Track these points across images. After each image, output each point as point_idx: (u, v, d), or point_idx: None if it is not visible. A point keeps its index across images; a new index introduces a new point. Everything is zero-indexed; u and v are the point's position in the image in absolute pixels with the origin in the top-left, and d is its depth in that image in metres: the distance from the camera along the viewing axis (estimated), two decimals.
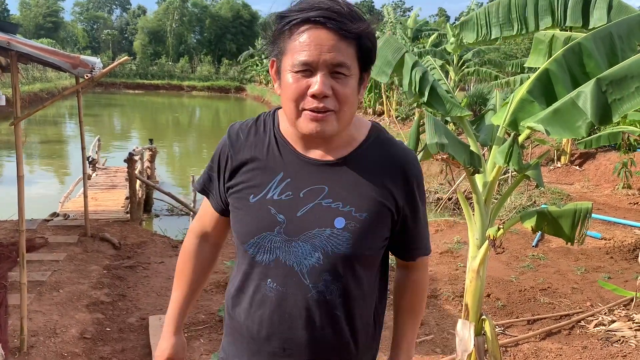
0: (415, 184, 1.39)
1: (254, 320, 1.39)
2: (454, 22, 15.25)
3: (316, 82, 1.23)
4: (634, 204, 9.31)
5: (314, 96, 1.24)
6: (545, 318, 4.86)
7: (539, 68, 3.07)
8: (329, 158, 1.35)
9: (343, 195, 1.33)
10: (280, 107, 1.41)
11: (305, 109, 1.26)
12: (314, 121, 1.26)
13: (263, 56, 41.50)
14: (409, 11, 78.06)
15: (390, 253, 1.51)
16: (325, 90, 1.23)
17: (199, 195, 10.91)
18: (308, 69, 1.23)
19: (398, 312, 1.59)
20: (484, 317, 3.29)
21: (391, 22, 24.24)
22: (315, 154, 1.36)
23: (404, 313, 1.57)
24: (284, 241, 1.33)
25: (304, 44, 1.23)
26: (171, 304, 1.64)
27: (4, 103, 5.33)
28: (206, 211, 1.56)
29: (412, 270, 1.55)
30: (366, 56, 1.29)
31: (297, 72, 1.24)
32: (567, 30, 3.64)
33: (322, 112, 1.25)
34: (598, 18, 3.34)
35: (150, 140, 11.97)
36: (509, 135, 3.06)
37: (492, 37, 3.62)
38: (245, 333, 1.43)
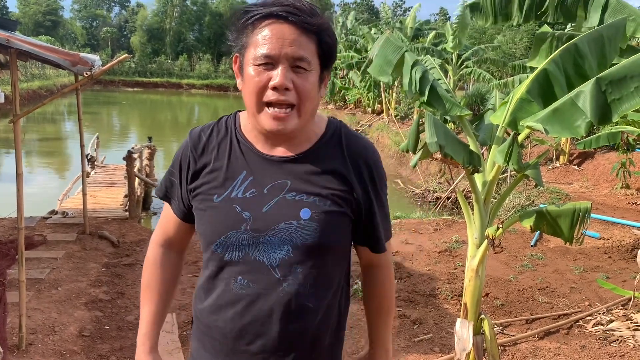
0: (374, 172, 1.43)
1: (225, 320, 1.39)
2: (458, 18, 15.15)
3: (277, 75, 1.25)
4: (633, 203, 9.32)
5: (275, 88, 1.26)
6: (543, 317, 4.87)
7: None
8: (290, 154, 1.38)
9: (306, 187, 1.35)
10: (242, 110, 1.46)
11: (266, 102, 1.28)
12: (275, 119, 1.29)
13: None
14: (409, 11, 78.07)
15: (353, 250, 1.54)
16: (286, 82, 1.25)
17: None
18: (270, 62, 1.26)
19: (372, 315, 1.60)
20: (482, 316, 3.29)
21: (389, 20, 24.23)
22: (277, 151, 1.38)
23: (378, 315, 1.60)
24: (252, 237, 1.34)
25: (265, 38, 1.25)
26: (142, 321, 1.56)
27: (2, 100, 5.32)
28: (168, 218, 1.54)
29: (378, 269, 1.55)
30: (326, 52, 1.32)
31: (259, 65, 1.27)
32: (564, 28, 3.68)
33: (283, 107, 1.28)
34: (592, 17, 3.36)
35: (149, 138, 11.94)
36: (509, 134, 3.06)
37: (495, 23, 3.67)
38: (216, 334, 1.42)
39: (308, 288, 1.36)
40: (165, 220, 1.55)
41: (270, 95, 1.27)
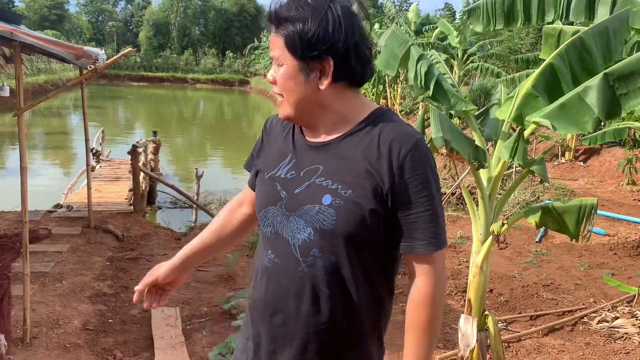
0: (408, 164, 1.33)
1: (256, 289, 1.51)
2: (461, 17, 15.01)
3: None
4: (638, 200, 9.27)
5: None
6: (548, 314, 4.86)
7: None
8: (326, 139, 1.44)
9: (333, 174, 1.39)
10: None
11: None
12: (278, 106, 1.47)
13: (268, 50, 41.20)
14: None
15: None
16: (269, 77, 1.45)
17: (202, 189, 10.77)
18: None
19: (406, 328, 1.45)
20: (486, 312, 3.28)
21: (392, 15, 24.13)
22: (317, 137, 1.46)
23: (408, 330, 1.44)
24: (283, 216, 1.43)
25: None
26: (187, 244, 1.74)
27: (7, 94, 5.34)
28: (246, 187, 1.71)
29: (415, 275, 1.41)
30: (295, 42, 1.34)
31: None
32: (571, 25, 3.63)
33: (279, 96, 1.44)
34: (602, 14, 3.32)
35: (154, 133, 11.96)
36: (514, 130, 3.04)
37: (497, 27, 3.62)
38: (251, 303, 1.55)
39: (325, 274, 1.39)
40: (246, 188, 1.72)
41: None
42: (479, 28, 3.68)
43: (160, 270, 1.71)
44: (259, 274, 1.51)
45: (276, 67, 1.40)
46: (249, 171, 1.67)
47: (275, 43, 1.38)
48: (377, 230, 1.37)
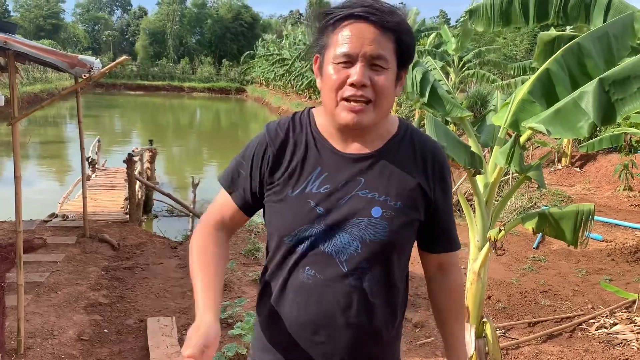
0: (444, 172, 1.47)
1: (291, 307, 1.42)
2: (455, 24, 15.08)
3: (355, 72, 1.30)
4: (635, 205, 9.27)
5: (352, 85, 1.31)
6: (546, 320, 4.83)
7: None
8: (365, 151, 1.41)
9: (378, 186, 1.39)
10: (314, 107, 1.50)
11: (343, 98, 1.33)
12: (352, 112, 1.33)
13: (263, 59, 41.26)
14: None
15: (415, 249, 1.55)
16: (364, 79, 1.30)
17: (198, 197, 10.65)
18: (348, 60, 1.31)
19: (450, 319, 1.63)
20: (484, 319, 3.26)
21: None
22: (351, 148, 1.42)
23: (455, 318, 1.63)
24: (323, 231, 1.38)
25: (346, 37, 1.31)
26: (201, 289, 1.35)
27: (2, 103, 5.30)
28: (228, 206, 1.50)
29: (451, 267, 1.58)
30: (405, 52, 1.36)
31: (338, 63, 1.32)
32: (566, 29, 3.64)
33: (360, 101, 1.32)
34: (596, 18, 3.33)
35: (150, 141, 11.93)
36: (510, 136, 3.04)
37: (495, 28, 3.63)
38: (281, 323, 1.45)
39: (374, 285, 1.40)
40: (222, 206, 1.51)
41: (347, 91, 1.32)
42: (480, 28, 3.70)
43: (210, 330, 1.24)
44: (292, 291, 1.42)
45: (369, 69, 1.31)
46: (230, 191, 1.49)
47: (384, 45, 1.31)
48: (415, 237, 1.48)
